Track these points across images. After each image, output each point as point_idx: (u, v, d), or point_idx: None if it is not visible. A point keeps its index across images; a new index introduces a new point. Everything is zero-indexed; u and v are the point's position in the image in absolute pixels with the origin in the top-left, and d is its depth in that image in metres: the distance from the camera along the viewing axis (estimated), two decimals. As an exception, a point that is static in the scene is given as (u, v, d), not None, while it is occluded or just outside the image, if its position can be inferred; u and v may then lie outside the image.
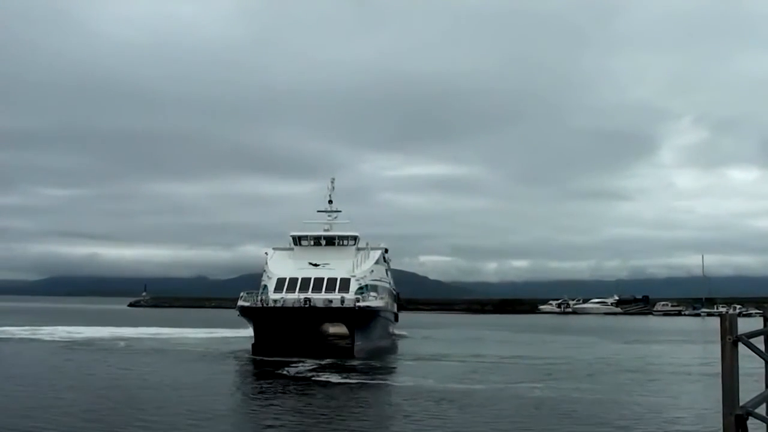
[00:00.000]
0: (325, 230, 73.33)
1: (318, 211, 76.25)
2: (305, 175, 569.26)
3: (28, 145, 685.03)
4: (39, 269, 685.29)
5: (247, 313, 58.21)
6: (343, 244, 70.32)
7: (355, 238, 71.38)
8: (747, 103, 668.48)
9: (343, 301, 56.81)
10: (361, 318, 56.51)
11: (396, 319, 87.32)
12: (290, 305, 56.53)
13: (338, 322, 55.43)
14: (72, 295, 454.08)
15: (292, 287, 59.82)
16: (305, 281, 60.60)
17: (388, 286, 76.23)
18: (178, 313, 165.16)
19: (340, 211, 76.38)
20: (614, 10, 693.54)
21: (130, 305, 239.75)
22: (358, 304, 56.84)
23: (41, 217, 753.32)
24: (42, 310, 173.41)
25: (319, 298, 57.52)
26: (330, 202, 76.40)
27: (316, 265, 63.50)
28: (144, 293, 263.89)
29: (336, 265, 63.04)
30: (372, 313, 58.85)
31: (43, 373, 44.33)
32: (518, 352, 61.95)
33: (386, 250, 79.84)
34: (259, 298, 58.87)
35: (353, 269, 62.82)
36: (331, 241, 70.84)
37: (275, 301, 57.73)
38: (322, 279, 60.93)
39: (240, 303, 59.29)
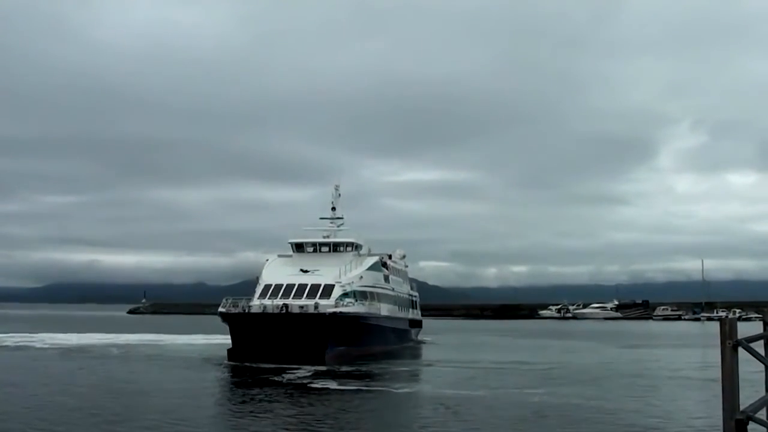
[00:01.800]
0: (324, 237, 73.12)
1: (320, 218, 76.13)
2: (304, 181, 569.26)
3: (27, 152, 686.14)
4: (39, 276, 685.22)
5: (225, 318, 59.12)
6: (340, 251, 70.18)
7: (352, 245, 71.21)
8: (745, 107, 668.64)
9: (316, 306, 57.09)
10: (334, 324, 56.32)
11: (414, 325, 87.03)
12: (270, 311, 57.31)
13: (312, 328, 55.36)
14: (72, 301, 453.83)
15: (275, 293, 60.64)
16: (289, 287, 61.23)
17: (390, 293, 75.17)
18: (177, 319, 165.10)
19: (341, 218, 76.22)
20: (611, 14, 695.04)
21: (130, 312, 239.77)
22: (329, 310, 56.88)
23: (41, 224, 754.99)
24: (40, 317, 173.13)
25: (297, 304, 58.06)
26: (333, 209, 76.24)
27: (306, 271, 63.99)
28: (143, 300, 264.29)
29: (325, 271, 63.39)
30: (348, 319, 58.32)
31: (26, 380, 43.96)
32: (518, 358, 61.79)
33: (390, 256, 79.77)
34: (241, 304, 59.53)
35: (339, 275, 62.87)
36: (328, 247, 70.91)
37: (250, 307, 58.86)
38: (306, 285, 61.35)
39: (219, 309, 60.09)
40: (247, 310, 58.49)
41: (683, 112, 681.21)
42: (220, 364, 54.71)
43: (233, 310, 58.78)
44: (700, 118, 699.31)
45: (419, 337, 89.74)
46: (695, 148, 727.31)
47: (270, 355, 53.36)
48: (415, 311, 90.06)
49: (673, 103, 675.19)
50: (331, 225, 75.21)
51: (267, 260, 69.42)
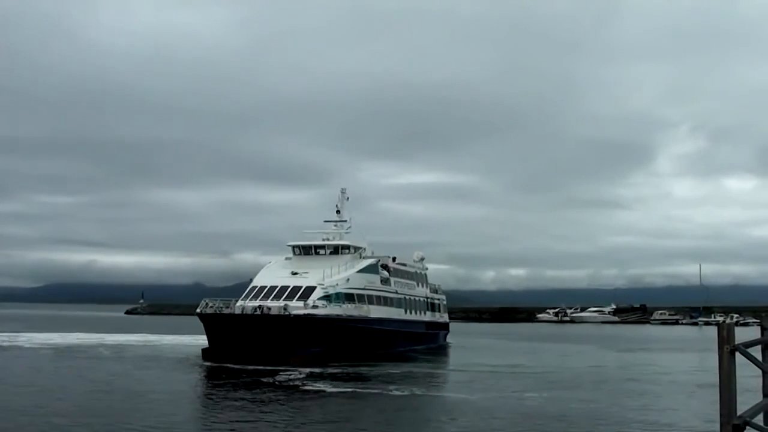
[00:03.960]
0: (324, 240, 73.39)
1: (325, 221, 76.38)
2: (302, 183, 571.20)
3: (26, 152, 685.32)
4: (37, 276, 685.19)
5: (201, 319, 60.45)
6: (338, 253, 70.50)
7: (348, 248, 71.53)
8: (744, 112, 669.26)
9: (285, 308, 57.81)
10: (299, 326, 56.81)
11: (435, 327, 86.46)
12: (248, 313, 58.35)
13: (276, 329, 56.21)
14: (70, 302, 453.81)
15: (258, 295, 62.30)
16: (272, 289, 62.62)
17: (391, 295, 74.02)
18: (174, 320, 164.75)
19: (345, 221, 76.19)
20: (611, 19, 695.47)
21: (127, 312, 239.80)
22: (296, 312, 57.59)
23: (39, 224, 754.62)
24: (37, 317, 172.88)
25: (271, 305, 58.89)
26: (338, 212, 76.28)
27: (295, 273, 65.02)
28: (141, 300, 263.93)
29: (314, 273, 64.32)
30: (318, 321, 58.60)
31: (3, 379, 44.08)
32: (515, 361, 61.74)
33: (394, 259, 78.92)
34: (216, 305, 60.66)
35: (323, 278, 63.46)
36: (326, 250, 71.32)
37: (221, 308, 60.10)
38: (287, 287, 62.45)
39: (197, 310, 61.34)
40: (220, 311, 59.71)
41: (682, 116, 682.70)
42: (197, 365, 55.24)
43: (207, 311, 60.00)
44: (699, 123, 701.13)
45: (447, 340, 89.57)
46: (694, 153, 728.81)
47: (240, 356, 54.38)
48: (437, 314, 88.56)
49: (672, 108, 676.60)
50: (335, 228, 75.31)
51: (270, 262, 70.42)
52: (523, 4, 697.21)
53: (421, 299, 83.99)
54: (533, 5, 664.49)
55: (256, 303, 59.80)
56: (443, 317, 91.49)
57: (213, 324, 58.90)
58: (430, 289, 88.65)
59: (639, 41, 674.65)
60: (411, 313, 79.72)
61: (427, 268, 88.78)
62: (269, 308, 58.16)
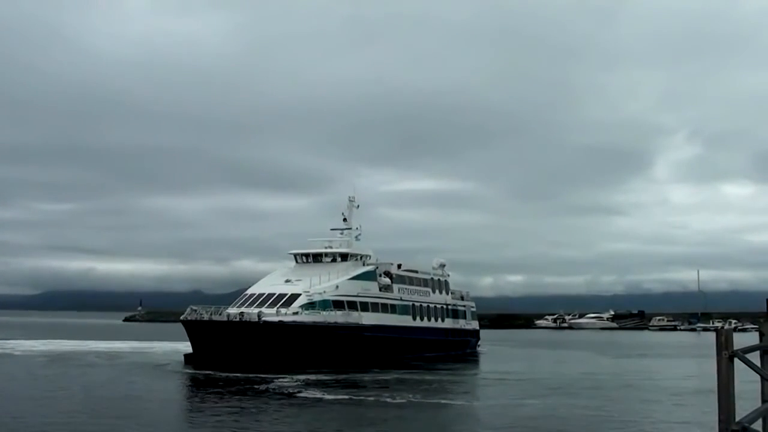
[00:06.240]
0: (326, 247, 73.77)
1: (331, 229, 76.54)
2: (301, 190, 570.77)
3: (23, 159, 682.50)
4: (34, 283, 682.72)
5: (183, 325, 61.80)
6: (339, 261, 71.12)
7: (346, 255, 71.89)
8: (740, 118, 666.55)
9: (259, 315, 59.19)
10: (268, 332, 57.79)
11: (460, 334, 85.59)
12: (232, 319, 59.61)
13: (245, 336, 57.46)
14: (68, 309, 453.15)
15: (247, 302, 64.17)
16: (259, 296, 64.37)
17: (394, 302, 73.42)
18: (171, 327, 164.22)
19: (350, 228, 76.14)
20: (608, 25, 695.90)
21: (126, 320, 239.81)
22: (266, 318, 58.91)
23: (37, 232, 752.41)
24: (34, 325, 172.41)
25: (250, 312, 60.23)
26: (344, 219, 76.38)
27: (288, 281, 66.50)
28: (139, 308, 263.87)
29: (305, 281, 65.47)
30: (285, 328, 59.12)
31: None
32: (512, 368, 61.72)
33: (399, 266, 77.99)
34: (197, 312, 61.45)
35: (310, 285, 64.33)
36: (326, 258, 71.92)
37: (201, 315, 61.00)
38: (274, 294, 63.84)
39: (181, 317, 62.55)
40: (200, 318, 60.68)
41: (679, 123, 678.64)
42: (176, 371, 55.54)
43: (189, 318, 61.03)
44: (696, 129, 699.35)
45: (479, 348, 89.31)
46: (691, 159, 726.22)
47: (217, 361, 55.35)
48: (461, 321, 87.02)
49: (669, 114, 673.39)
50: (341, 236, 75.38)
51: (276, 270, 72.17)
52: (519, 10, 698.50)
53: (438, 306, 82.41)
54: (530, 11, 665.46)
55: (240, 310, 61.23)
56: (470, 324, 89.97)
57: (193, 330, 60.27)
58: (454, 296, 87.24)
59: (636, 47, 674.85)
60: (423, 320, 78.68)
61: (448, 275, 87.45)
62: (242, 314, 59.60)
